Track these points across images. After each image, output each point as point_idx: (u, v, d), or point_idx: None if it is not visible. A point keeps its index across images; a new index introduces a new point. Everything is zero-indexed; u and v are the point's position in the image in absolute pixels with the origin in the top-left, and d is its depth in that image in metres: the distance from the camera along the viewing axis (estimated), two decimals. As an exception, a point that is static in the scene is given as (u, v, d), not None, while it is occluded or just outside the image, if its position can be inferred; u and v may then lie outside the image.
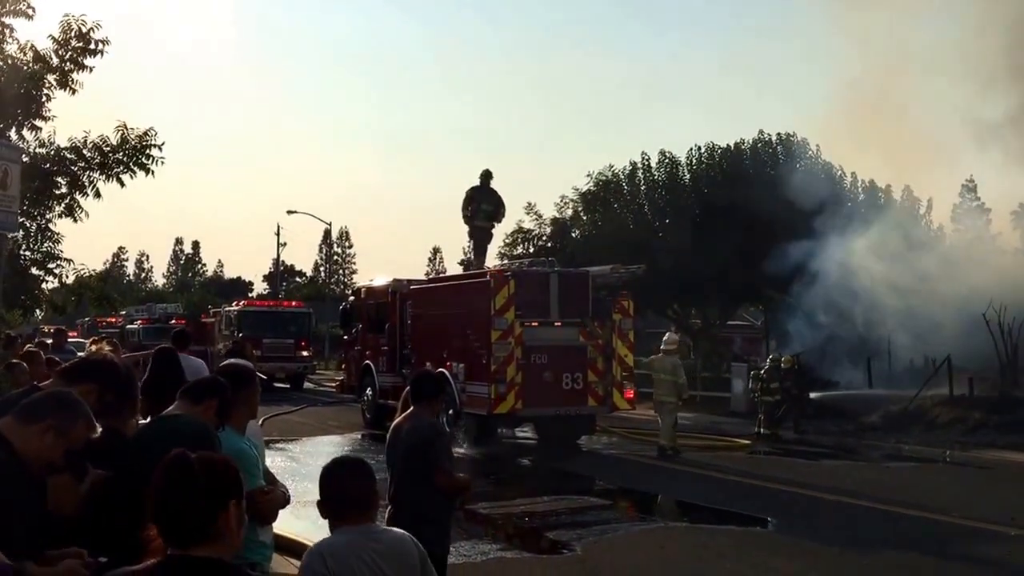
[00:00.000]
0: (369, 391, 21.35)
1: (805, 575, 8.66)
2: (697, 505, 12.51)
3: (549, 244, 29.84)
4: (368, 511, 3.40)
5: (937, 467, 15.98)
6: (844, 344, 22.28)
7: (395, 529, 3.66)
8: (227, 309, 36.99)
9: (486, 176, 19.93)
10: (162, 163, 13.85)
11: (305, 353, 35.09)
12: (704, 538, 10.42)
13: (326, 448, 17.95)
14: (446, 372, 16.42)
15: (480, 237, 20.01)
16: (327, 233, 67.98)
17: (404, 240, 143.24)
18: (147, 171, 13.85)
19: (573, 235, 30.83)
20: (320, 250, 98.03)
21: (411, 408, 6.02)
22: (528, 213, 31.29)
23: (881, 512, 11.76)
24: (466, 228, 20.29)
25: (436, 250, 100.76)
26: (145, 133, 13.82)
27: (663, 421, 16.79)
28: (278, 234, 62.49)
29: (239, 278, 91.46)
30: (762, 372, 20.27)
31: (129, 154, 13.55)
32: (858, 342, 22.23)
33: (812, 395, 20.81)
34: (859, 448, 18.01)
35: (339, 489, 3.40)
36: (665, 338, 17.60)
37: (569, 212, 31.33)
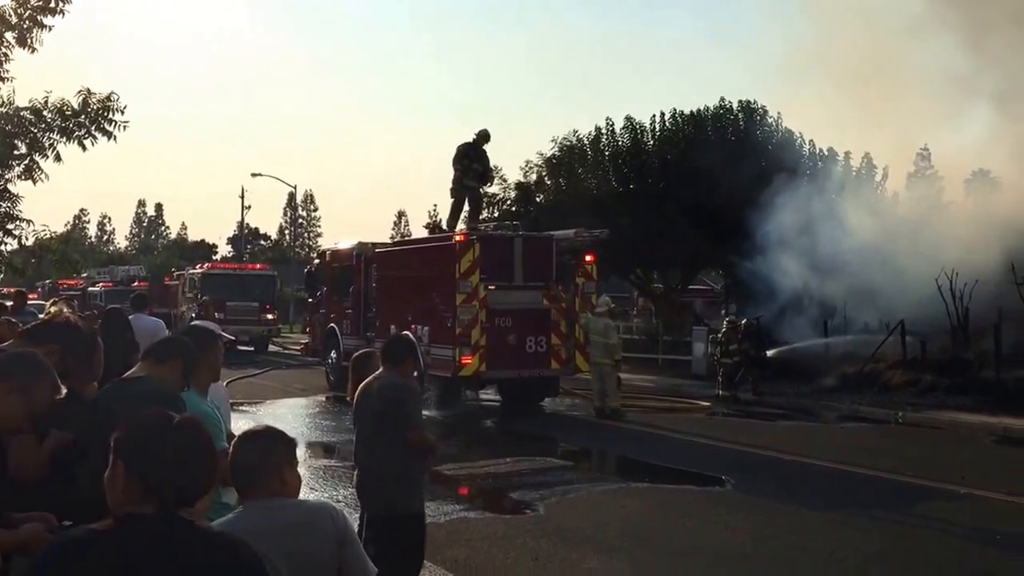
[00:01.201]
0: (334, 354, 21.42)
1: (762, 532, 8.82)
2: (658, 465, 12.68)
3: (514, 208, 29.85)
4: (268, 486, 3.11)
5: (890, 428, 16.40)
6: (801, 307, 22.65)
7: (312, 502, 3.40)
8: (191, 272, 36.82)
9: (484, 137, 19.22)
10: (124, 128, 13.66)
11: (269, 316, 34.99)
12: (665, 497, 10.59)
13: (290, 411, 18.02)
14: (410, 335, 16.49)
15: (464, 197, 19.58)
16: (292, 196, 67.60)
17: (369, 204, 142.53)
18: (109, 136, 13.65)
19: (538, 200, 30.85)
20: (285, 213, 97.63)
21: (379, 369, 6.03)
22: (495, 175, 31.20)
23: (836, 471, 12.09)
24: (448, 187, 19.68)
25: (401, 214, 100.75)
26: (107, 98, 13.59)
27: (606, 383, 16.96)
28: (243, 197, 62.10)
29: (203, 241, 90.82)
30: (720, 335, 20.57)
31: (91, 118, 13.34)
32: (815, 305, 22.60)
33: (769, 353, 21.19)
34: (815, 409, 18.35)
35: (234, 461, 3.18)
36: (598, 300, 17.63)
37: (534, 177, 31.33)
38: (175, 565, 2.29)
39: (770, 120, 30.04)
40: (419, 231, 77.37)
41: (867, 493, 10.75)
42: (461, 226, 19.65)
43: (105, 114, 13.32)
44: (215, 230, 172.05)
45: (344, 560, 3.15)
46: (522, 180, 31.37)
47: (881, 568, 7.71)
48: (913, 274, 20.07)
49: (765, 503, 10.16)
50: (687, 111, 29.71)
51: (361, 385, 6.05)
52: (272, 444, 3.19)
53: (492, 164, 20.03)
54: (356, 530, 6.38)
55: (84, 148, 13.58)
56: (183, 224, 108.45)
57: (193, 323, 5.89)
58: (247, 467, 3.14)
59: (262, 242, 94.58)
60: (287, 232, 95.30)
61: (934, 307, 19.84)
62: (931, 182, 32.05)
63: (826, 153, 30.78)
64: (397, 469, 5.76)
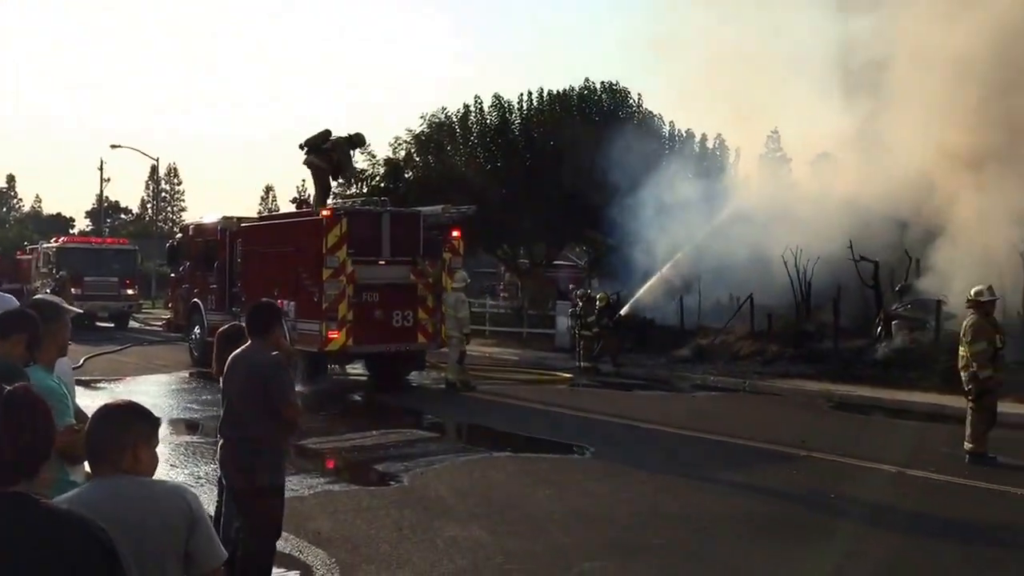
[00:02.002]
0: (197, 329, 21.11)
1: (618, 496, 9.23)
2: (521, 435, 13.03)
3: (383, 185, 29.74)
4: (119, 462, 2.98)
5: (738, 396, 17.28)
6: (659, 282, 23.56)
7: (164, 482, 3.20)
8: (45, 246, 35.53)
9: (361, 142, 19.82)
10: None
11: (130, 291, 34.14)
12: (526, 465, 10.86)
13: (151, 387, 17.65)
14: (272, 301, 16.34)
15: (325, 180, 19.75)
16: (154, 169, 65.10)
17: (236, 179, 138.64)
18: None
19: (407, 176, 30.85)
20: (147, 187, 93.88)
21: (249, 342, 5.99)
22: (362, 153, 30.99)
23: (688, 437, 12.71)
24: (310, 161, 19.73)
25: (269, 188, 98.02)
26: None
27: (449, 355, 17.42)
28: (101, 169, 59.95)
29: (59, 214, 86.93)
30: (578, 309, 21.21)
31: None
32: (672, 281, 23.54)
33: (622, 311, 22.04)
34: (671, 379, 19.16)
35: (88, 433, 3.05)
36: (456, 275, 17.88)
37: (403, 153, 31.28)
38: (15, 541, 2.25)
39: (632, 101, 30.98)
40: (287, 206, 75.84)
41: (717, 457, 11.36)
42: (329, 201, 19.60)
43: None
44: (73, 203, 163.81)
45: (193, 544, 3.02)
46: (391, 156, 31.31)
47: (727, 527, 8.18)
48: (763, 250, 21.14)
49: (622, 469, 10.57)
50: (554, 90, 30.33)
51: (230, 358, 6.02)
52: (129, 419, 3.05)
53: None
54: (217, 506, 6.46)
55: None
56: (37, 197, 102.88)
57: (38, 296, 5.74)
58: (100, 441, 3.00)
59: (123, 216, 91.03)
60: (149, 206, 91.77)
61: (781, 282, 21.00)
62: (780, 164, 33.57)
63: (684, 134, 31.97)
64: (262, 442, 5.78)
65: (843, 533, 8.00)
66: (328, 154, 19.26)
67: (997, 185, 18.54)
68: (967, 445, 10.89)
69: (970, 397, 10.95)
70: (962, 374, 11.07)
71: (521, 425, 13.83)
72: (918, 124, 20.46)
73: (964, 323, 11.30)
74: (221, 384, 6.11)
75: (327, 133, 19.38)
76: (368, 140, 23.20)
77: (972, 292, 11.28)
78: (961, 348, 11.10)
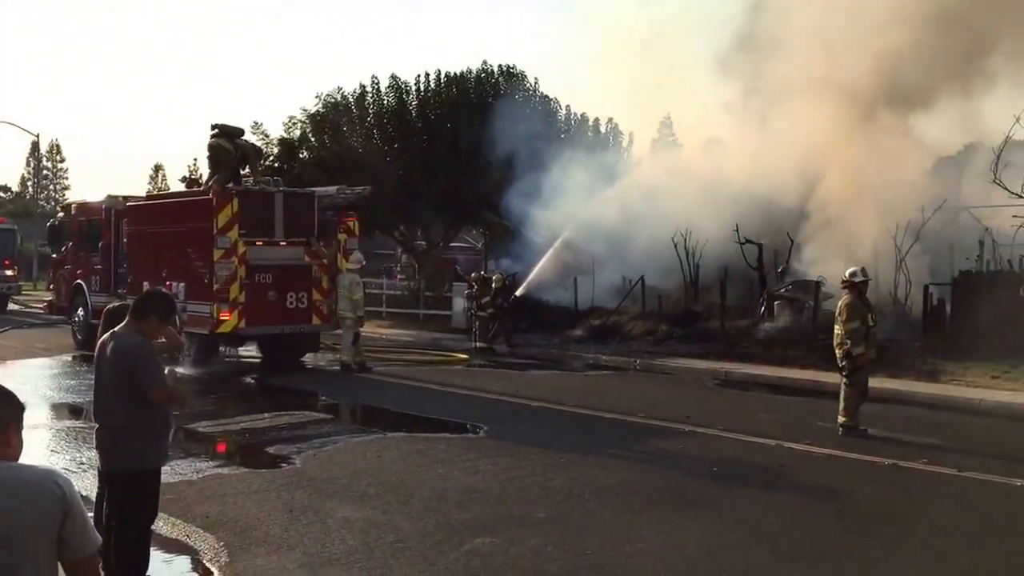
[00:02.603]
0: (81, 311, 20.51)
1: (509, 474, 9.36)
2: (415, 416, 13.10)
3: (276, 164, 29.24)
4: None
5: (629, 374, 17.70)
6: (555, 264, 23.91)
7: (35, 467, 3.04)
8: (-84, 226, 33.81)
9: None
10: None
11: (9, 272, 32.94)
12: (420, 445, 10.90)
13: (32, 371, 17.08)
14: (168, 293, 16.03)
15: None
16: (35, 146, 62.46)
17: (124, 157, 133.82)
18: None
19: (302, 156, 30.41)
20: (28, 163, 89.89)
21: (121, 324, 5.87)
22: (255, 132, 30.36)
23: (580, 415, 12.98)
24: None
25: (158, 167, 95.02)
26: None
27: (344, 337, 17.39)
28: (-25, 144, 57.08)
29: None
30: (474, 291, 21.37)
31: None
32: (568, 262, 23.91)
33: (517, 292, 22.34)
34: (564, 359, 19.52)
35: None
36: (351, 257, 17.81)
37: (297, 133, 30.80)
38: None
39: (528, 84, 31.20)
40: (178, 187, 73.76)
41: (606, 433, 11.67)
42: None
43: None
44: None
45: (67, 530, 2.92)
46: (285, 136, 30.78)
47: (614, 500, 8.40)
48: (654, 233, 21.65)
49: (514, 447, 10.70)
50: (452, 72, 30.30)
51: (99, 340, 5.92)
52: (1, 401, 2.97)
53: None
54: (99, 491, 6.33)
55: None
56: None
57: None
58: None
59: (1, 194, 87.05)
60: (30, 184, 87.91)
61: (672, 264, 21.55)
62: (672, 148, 34.36)
63: (580, 118, 32.35)
64: (133, 426, 5.69)
65: (725, 504, 8.31)
66: (236, 146, 18.89)
67: (881, 148, 19.31)
68: (840, 419, 11.46)
69: (844, 373, 11.52)
70: (837, 351, 11.63)
71: (416, 406, 13.89)
72: (803, 79, 21.10)
73: (839, 303, 11.86)
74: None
75: (242, 131, 19.13)
76: (259, 110, 23.19)
77: (847, 273, 11.84)
78: (836, 327, 11.66)
